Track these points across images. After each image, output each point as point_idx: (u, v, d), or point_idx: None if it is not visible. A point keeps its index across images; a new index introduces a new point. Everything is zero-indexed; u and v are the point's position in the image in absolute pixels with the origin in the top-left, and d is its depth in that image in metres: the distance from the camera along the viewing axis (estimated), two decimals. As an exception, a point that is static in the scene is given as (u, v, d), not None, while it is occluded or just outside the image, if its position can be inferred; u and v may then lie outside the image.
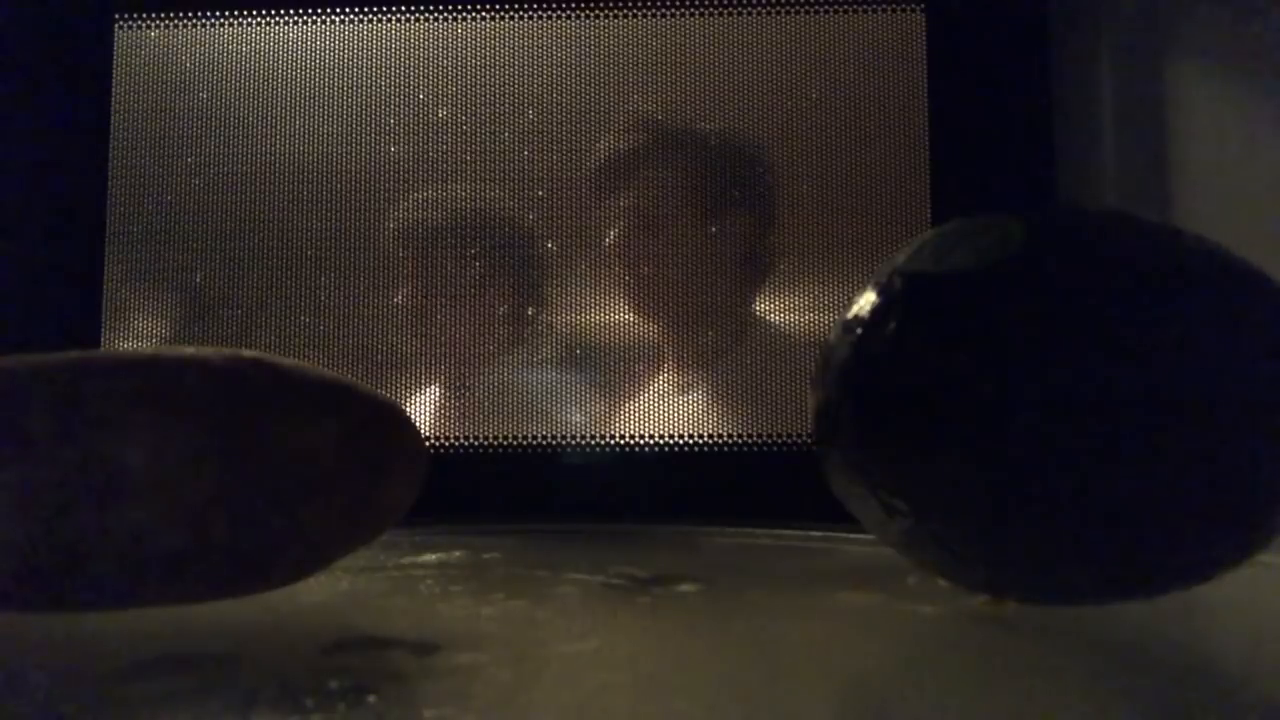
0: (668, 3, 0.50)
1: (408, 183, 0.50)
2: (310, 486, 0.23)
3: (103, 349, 0.49)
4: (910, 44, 0.49)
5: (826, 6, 0.50)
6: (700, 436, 0.48)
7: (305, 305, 0.49)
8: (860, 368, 0.23)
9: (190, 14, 0.50)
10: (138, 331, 0.50)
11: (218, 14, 0.50)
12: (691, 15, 0.50)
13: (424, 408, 0.49)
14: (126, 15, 0.50)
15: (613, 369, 0.49)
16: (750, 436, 0.48)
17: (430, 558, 0.34)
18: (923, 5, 0.49)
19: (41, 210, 0.50)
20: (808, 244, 0.50)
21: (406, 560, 0.33)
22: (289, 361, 0.24)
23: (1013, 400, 0.21)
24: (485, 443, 0.48)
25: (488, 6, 0.50)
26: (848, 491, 0.25)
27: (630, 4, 0.50)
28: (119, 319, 0.50)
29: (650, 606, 0.27)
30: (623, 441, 0.48)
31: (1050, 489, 0.21)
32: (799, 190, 0.50)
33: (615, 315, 0.49)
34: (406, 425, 0.26)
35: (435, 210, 0.50)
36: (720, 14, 0.50)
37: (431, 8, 0.50)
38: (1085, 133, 0.50)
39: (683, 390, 0.49)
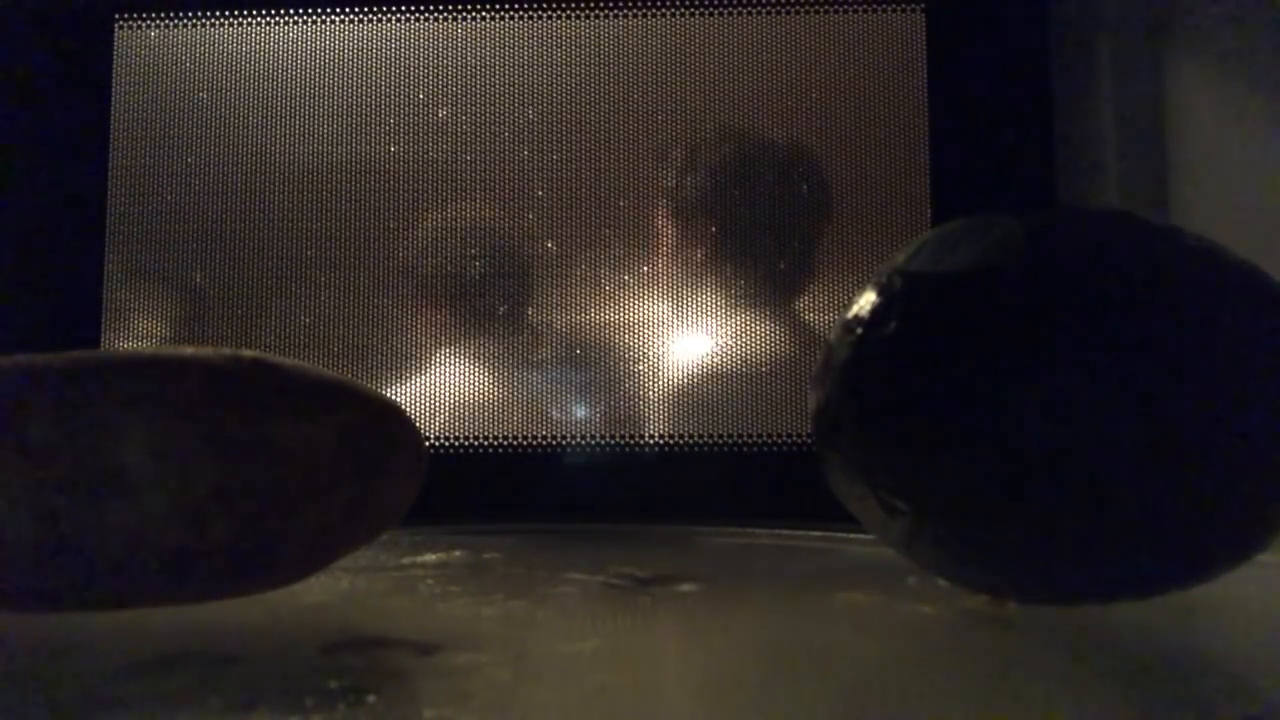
0: (668, 3, 0.50)
1: (407, 183, 0.50)
2: (310, 486, 0.23)
3: (103, 349, 0.49)
4: (910, 44, 0.49)
5: (826, 6, 0.50)
6: (700, 436, 0.48)
7: (305, 305, 0.49)
8: (860, 368, 0.23)
9: (190, 14, 0.50)
10: (138, 331, 0.50)
11: (218, 14, 0.50)
12: (692, 15, 0.50)
13: (424, 408, 0.49)
14: (126, 15, 0.50)
15: (612, 369, 0.49)
16: (750, 436, 0.48)
17: (430, 558, 0.34)
18: (923, 5, 0.49)
19: (41, 210, 0.50)
20: (808, 244, 0.50)
21: (406, 560, 0.33)
22: (289, 361, 0.24)
23: (1013, 400, 0.21)
24: (485, 443, 0.48)
25: (488, 6, 0.50)
26: (848, 491, 0.25)
27: (630, 4, 0.50)
28: (119, 319, 0.50)
29: (650, 606, 0.27)
30: (623, 441, 0.48)
31: (1050, 489, 0.21)
32: (798, 190, 0.50)
33: (615, 315, 0.49)
34: (406, 425, 0.26)
35: (435, 210, 0.50)
36: (720, 14, 0.50)
37: (431, 8, 0.50)
38: (1085, 133, 0.50)
39: (683, 390, 0.49)
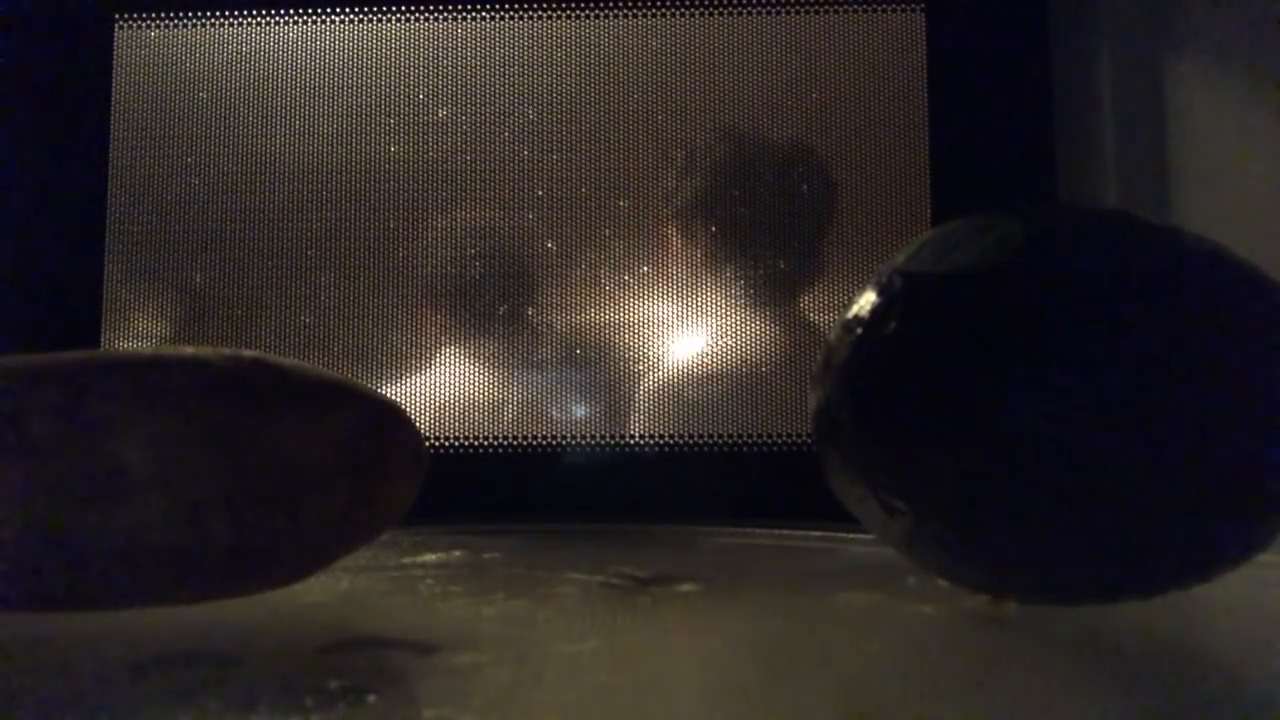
0: (668, 3, 0.50)
1: (407, 182, 0.50)
2: (310, 486, 0.23)
3: (103, 349, 0.49)
4: (910, 44, 0.49)
5: (826, 6, 0.50)
6: (700, 436, 0.48)
7: (305, 305, 0.49)
8: (860, 368, 0.23)
9: (190, 14, 0.50)
10: (138, 331, 0.50)
11: (218, 14, 0.50)
12: (691, 15, 0.50)
13: (424, 408, 0.49)
14: (126, 15, 0.50)
15: (613, 369, 0.49)
16: (750, 436, 0.48)
17: (430, 558, 0.34)
18: (923, 5, 0.49)
19: (41, 210, 0.50)
20: (808, 244, 0.50)
21: (406, 560, 0.33)
22: (289, 361, 0.24)
23: (1013, 400, 0.21)
24: (485, 443, 0.48)
25: (488, 6, 0.50)
26: (848, 491, 0.25)
27: (630, 4, 0.50)
28: (119, 319, 0.50)
29: (650, 606, 0.27)
30: (623, 441, 0.48)
31: (1050, 489, 0.21)
32: (799, 190, 0.50)
33: (615, 315, 0.49)
34: (406, 425, 0.26)
35: (435, 210, 0.50)
36: (720, 14, 0.50)
37: (431, 8, 0.50)
38: (1085, 133, 0.50)
39: (683, 390, 0.49)
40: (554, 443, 0.48)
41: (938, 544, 0.23)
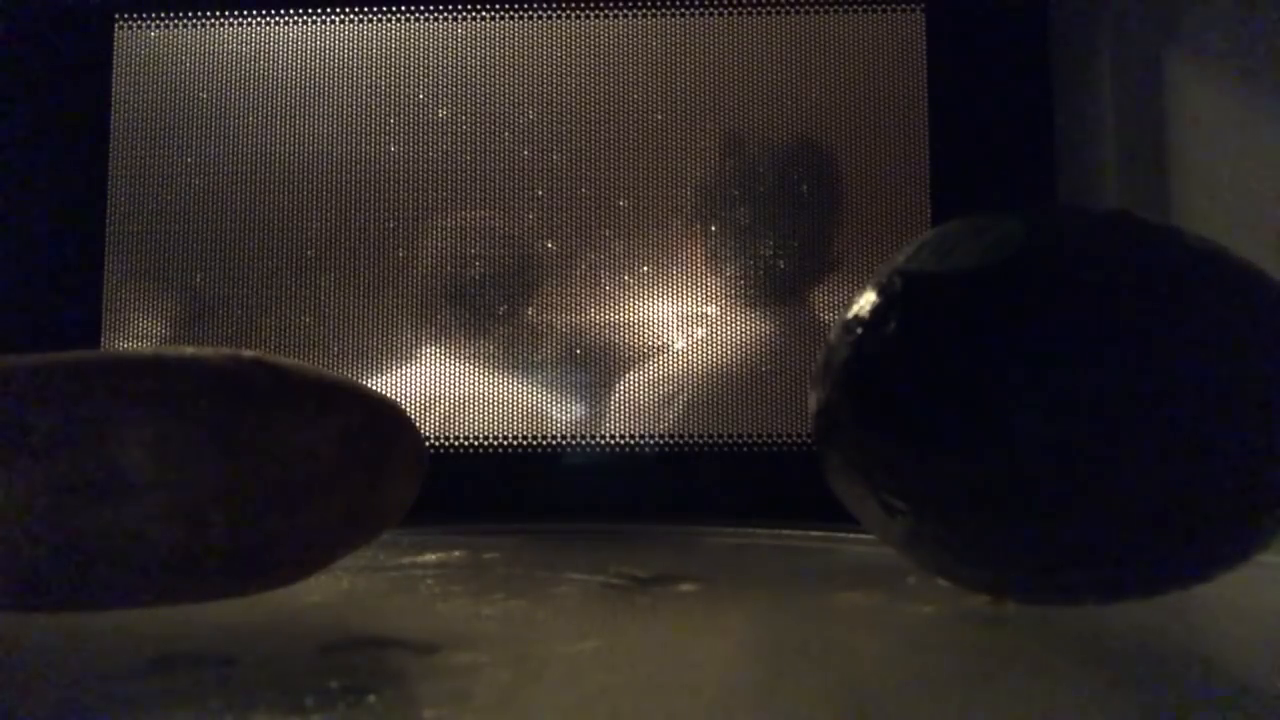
0: (668, 3, 0.50)
1: (408, 182, 0.50)
2: (310, 486, 0.23)
3: (103, 349, 0.49)
4: (910, 44, 0.49)
5: (826, 6, 0.50)
6: (700, 436, 0.48)
7: (305, 306, 0.49)
8: (860, 368, 0.23)
9: (190, 14, 0.50)
10: (138, 331, 0.50)
11: (218, 14, 0.50)
12: (691, 15, 0.50)
13: (424, 408, 0.49)
14: (126, 15, 0.50)
15: (612, 369, 0.49)
16: (750, 436, 0.48)
17: (430, 558, 0.34)
18: (923, 5, 0.49)
19: (41, 210, 0.50)
20: (808, 244, 0.50)
21: (406, 560, 0.33)
22: (289, 361, 0.24)
23: (1013, 400, 0.21)
24: (485, 443, 0.48)
25: (488, 6, 0.50)
26: (848, 491, 0.25)
27: (630, 4, 0.50)
28: (119, 319, 0.50)
29: (650, 606, 0.27)
30: (622, 441, 0.48)
31: (1050, 489, 0.21)
32: (799, 190, 0.50)
33: (615, 315, 0.49)
34: (406, 425, 0.26)
35: (435, 210, 0.50)
36: (720, 14, 0.50)
37: (431, 8, 0.50)
38: (1085, 133, 0.50)
39: (682, 390, 0.49)
40: (554, 443, 0.48)
41: (938, 544, 0.23)
